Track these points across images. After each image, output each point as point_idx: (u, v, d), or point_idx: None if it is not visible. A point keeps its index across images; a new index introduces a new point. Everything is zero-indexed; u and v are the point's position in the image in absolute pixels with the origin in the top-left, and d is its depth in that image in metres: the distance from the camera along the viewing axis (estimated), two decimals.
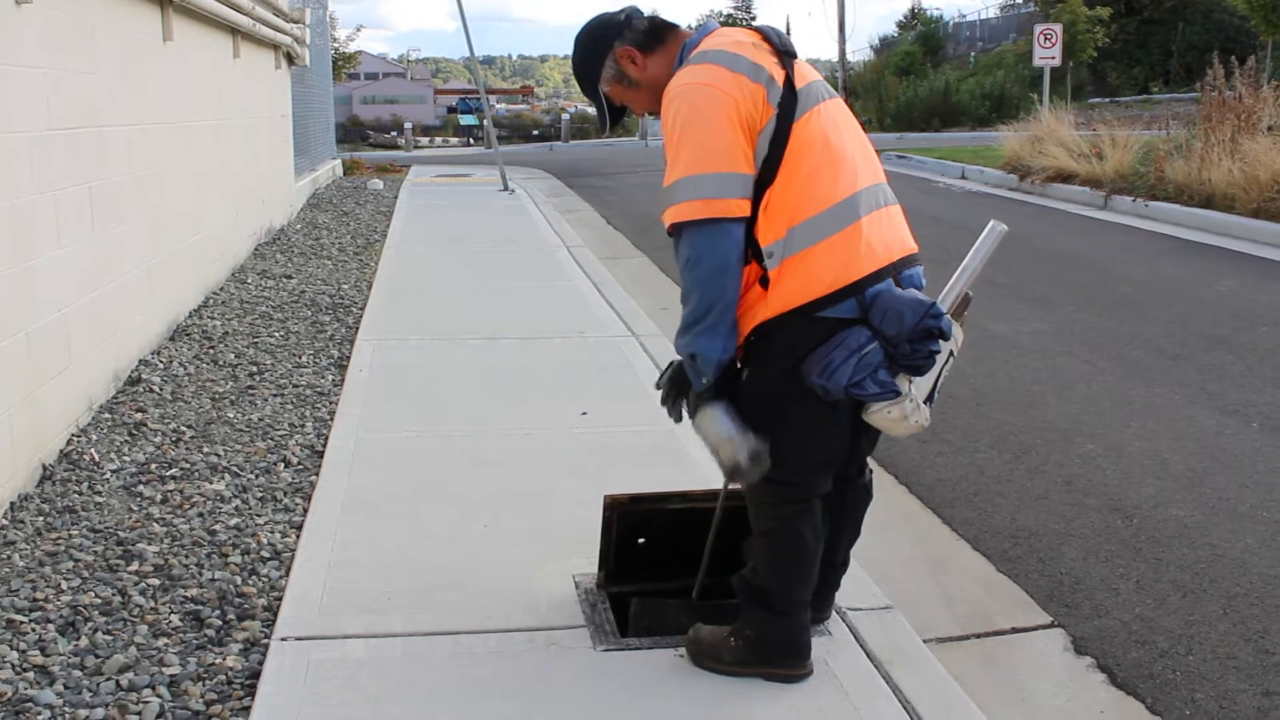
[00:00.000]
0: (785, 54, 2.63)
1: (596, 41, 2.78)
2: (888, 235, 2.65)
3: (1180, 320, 7.26)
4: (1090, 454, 4.92)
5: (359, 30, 40.45)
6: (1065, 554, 3.98)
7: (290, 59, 11.38)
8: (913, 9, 50.06)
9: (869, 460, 3.06)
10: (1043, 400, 5.68)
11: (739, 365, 2.73)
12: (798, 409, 2.63)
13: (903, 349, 2.54)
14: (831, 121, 2.65)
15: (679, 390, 2.77)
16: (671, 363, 2.82)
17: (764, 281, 2.57)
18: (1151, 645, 3.37)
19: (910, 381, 2.60)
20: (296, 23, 11.20)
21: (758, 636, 2.83)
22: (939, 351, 2.59)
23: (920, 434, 4.99)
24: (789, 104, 2.56)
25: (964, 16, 51.20)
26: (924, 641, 3.16)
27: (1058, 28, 20.52)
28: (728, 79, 2.53)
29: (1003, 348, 6.68)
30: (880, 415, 2.63)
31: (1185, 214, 11.28)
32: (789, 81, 2.59)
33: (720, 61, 2.57)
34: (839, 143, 2.63)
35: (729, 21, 47.71)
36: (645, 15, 2.80)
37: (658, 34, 2.75)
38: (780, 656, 2.84)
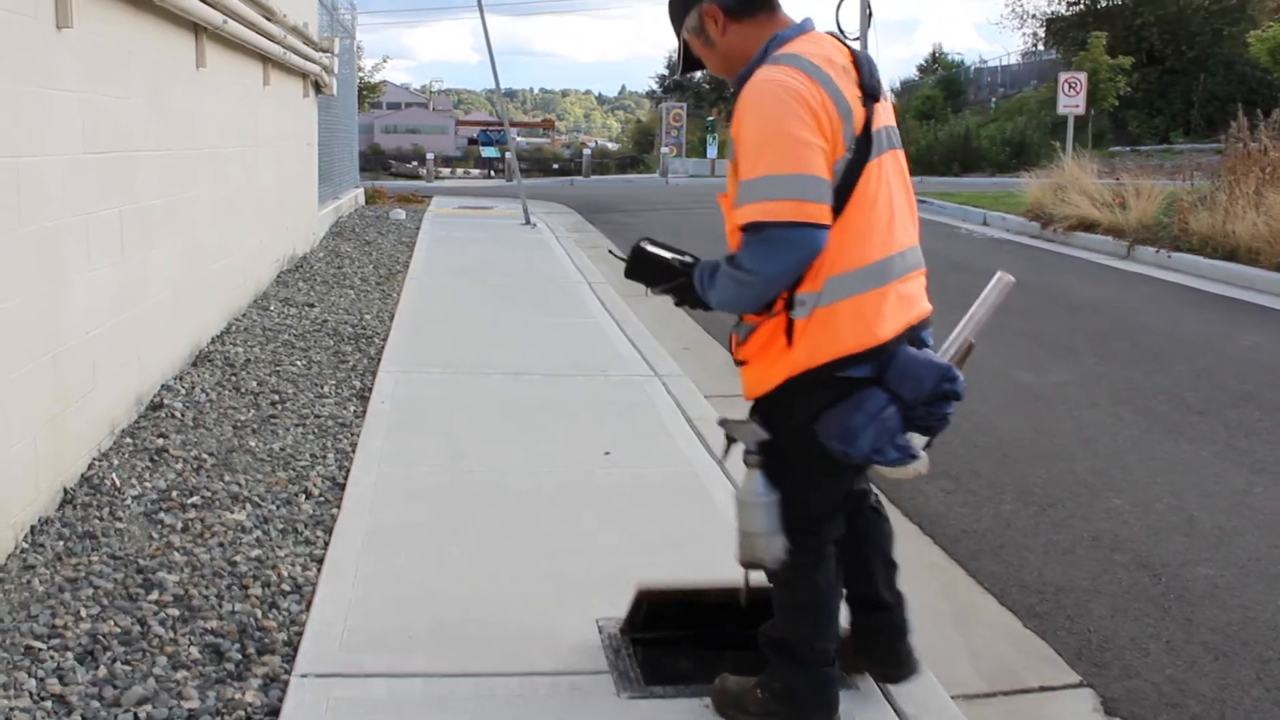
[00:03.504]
0: (870, 98, 2.55)
1: None
2: (911, 299, 2.63)
3: (1206, 374, 7.20)
4: (1117, 509, 4.86)
5: (385, 60, 41.00)
6: (1093, 611, 3.92)
7: (318, 87, 11.45)
8: (934, 53, 50.40)
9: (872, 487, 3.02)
10: (1068, 452, 5.63)
11: (755, 413, 2.70)
12: (809, 461, 2.61)
13: (919, 411, 2.51)
14: (889, 175, 2.59)
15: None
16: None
17: (789, 333, 2.53)
18: (1183, 709, 3.31)
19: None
20: (325, 51, 11.27)
21: (785, 689, 2.78)
22: (951, 414, 2.56)
23: (946, 484, 5.02)
24: (862, 149, 2.50)
25: (985, 62, 51.44)
26: (951, 698, 3.11)
27: (1082, 76, 20.58)
28: (817, 95, 2.43)
29: (1027, 398, 6.63)
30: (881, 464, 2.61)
31: (1209, 266, 11.23)
32: (867, 124, 2.52)
33: (811, 73, 2.46)
34: (889, 200, 2.58)
35: None
36: None
37: (750, 6, 2.64)
38: (807, 710, 2.79)
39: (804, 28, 2.65)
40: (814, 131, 2.40)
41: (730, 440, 2.73)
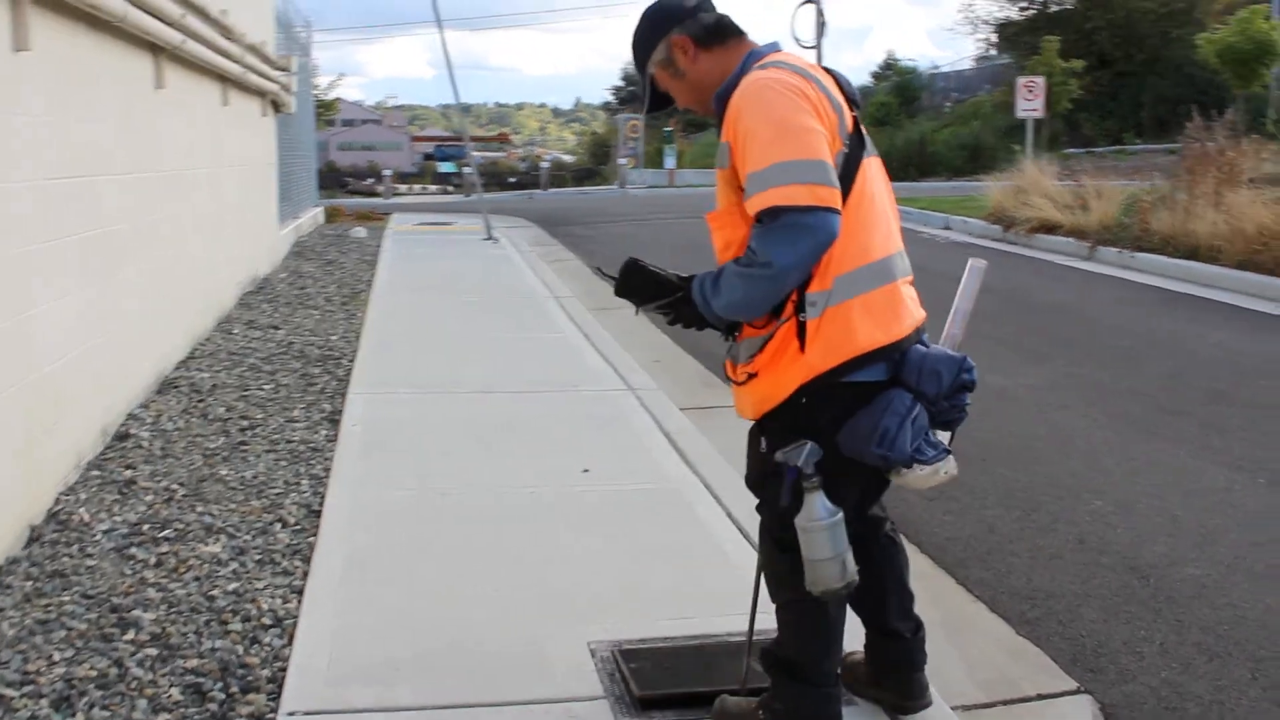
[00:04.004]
0: (852, 102, 2.58)
1: (657, 22, 2.68)
2: (914, 300, 2.62)
3: (1176, 374, 7.24)
4: (1100, 511, 4.85)
5: (340, 78, 41.06)
6: (1084, 615, 3.89)
7: (277, 106, 11.32)
8: (887, 60, 50.73)
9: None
10: (1046, 456, 5.62)
11: (760, 433, 2.64)
12: (821, 475, 2.53)
13: (940, 406, 2.49)
14: (878, 177, 2.62)
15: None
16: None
17: (801, 337, 2.47)
18: (1183, 712, 3.28)
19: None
20: (283, 70, 11.15)
21: (788, 711, 2.72)
22: (969, 405, 2.55)
23: (926, 491, 4.98)
24: (857, 144, 2.51)
25: (938, 68, 51.82)
26: (950, 709, 3.07)
27: (1041, 80, 20.77)
28: (812, 91, 2.45)
29: (1001, 401, 6.62)
30: (913, 474, 2.53)
31: (1171, 265, 11.33)
32: (857, 125, 2.54)
33: (803, 74, 2.48)
34: (883, 201, 2.60)
35: None
36: (715, 11, 2.69)
37: (720, 33, 2.64)
38: None
39: (775, 47, 2.67)
40: (816, 120, 2.41)
41: (788, 482, 2.51)
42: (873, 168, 2.58)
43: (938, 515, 4.83)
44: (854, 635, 2.98)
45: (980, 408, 6.28)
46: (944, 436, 2.56)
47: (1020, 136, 21.17)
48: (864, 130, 2.59)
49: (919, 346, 2.54)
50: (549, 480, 4.79)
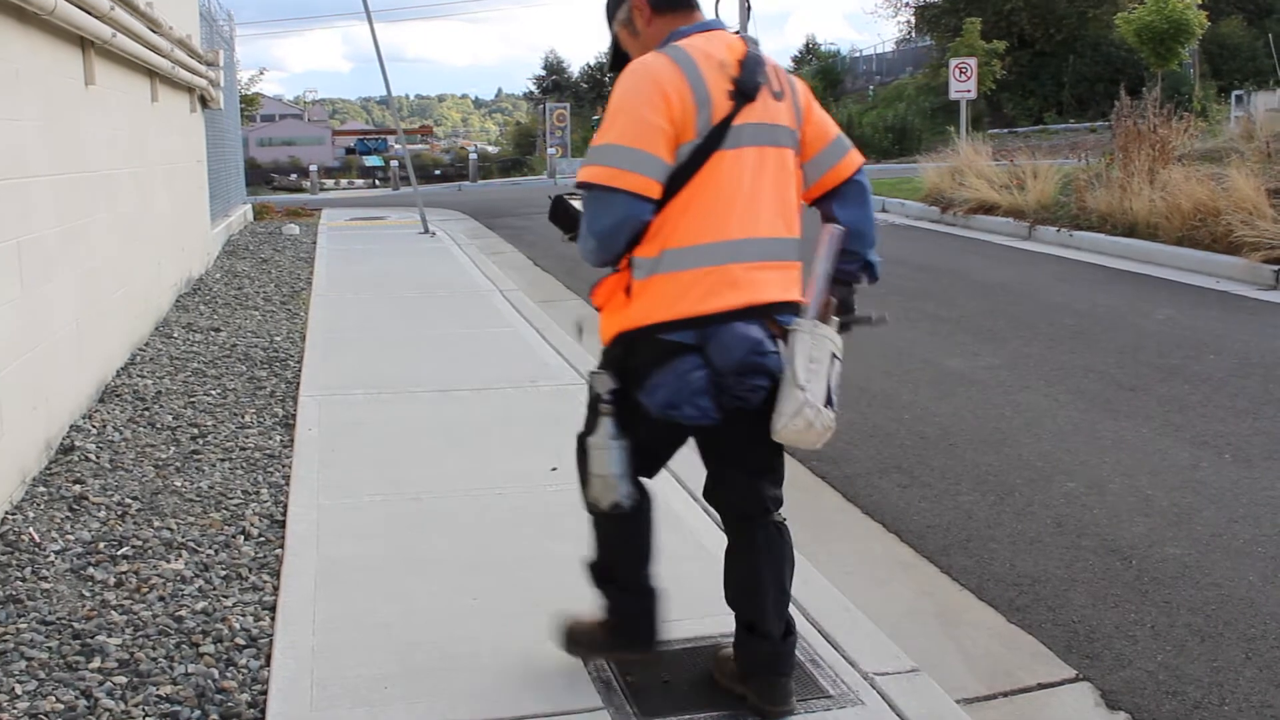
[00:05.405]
0: (741, 94, 2.64)
1: None
2: (758, 284, 2.68)
3: (1129, 351, 7.28)
4: (1073, 492, 4.83)
5: (263, 72, 40.38)
6: (1073, 600, 3.86)
7: (204, 102, 10.99)
8: (808, 44, 50.97)
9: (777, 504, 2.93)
10: (1014, 438, 5.60)
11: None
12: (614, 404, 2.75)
13: (729, 381, 2.62)
14: (755, 167, 2.67)
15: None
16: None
17: (628, 292, 2.69)
18: (1184, 696, 3.25)
19: (803, 390, 2.61)
20: (211, 65, 10.82)
21: (612, 614, 2.99)
22: (765, 386, 2.64)
23: (900, 478, 4.94)
24: (714, 138, 2.61)
25: (859, 51, 52.23)
26: (954, 702, 3.00)
27: (972, 61, 20.96)
28: (675, 81, 2.59)
29: (961, 384, 6.61)
30: (789, 431, 2.64)
31: (1110, 243, 11.44)
32: (729, 117, 2.62)
33: (682, 64, 2.62)
34: (752, 190, 2.67)
35: None
36: None
37: (673, 2, 2.81)
38: (625, 639, 2.97)
39: (707, 26, 2.80)
40: (660, 113, 2.57)
41: (591, 389, 2.84)
42: (734, 159, 2.63)
43: (914, 503, 4.78)
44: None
45: (943, 390, 6.36)
46: (814, 389, 2.61)
47: (945, 118, 21.35)
48: (742, 119, 2.64)
49: (738, 324, 2.63)
50: (519, 480, 4.66)
